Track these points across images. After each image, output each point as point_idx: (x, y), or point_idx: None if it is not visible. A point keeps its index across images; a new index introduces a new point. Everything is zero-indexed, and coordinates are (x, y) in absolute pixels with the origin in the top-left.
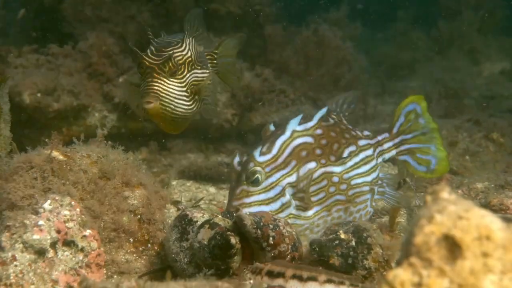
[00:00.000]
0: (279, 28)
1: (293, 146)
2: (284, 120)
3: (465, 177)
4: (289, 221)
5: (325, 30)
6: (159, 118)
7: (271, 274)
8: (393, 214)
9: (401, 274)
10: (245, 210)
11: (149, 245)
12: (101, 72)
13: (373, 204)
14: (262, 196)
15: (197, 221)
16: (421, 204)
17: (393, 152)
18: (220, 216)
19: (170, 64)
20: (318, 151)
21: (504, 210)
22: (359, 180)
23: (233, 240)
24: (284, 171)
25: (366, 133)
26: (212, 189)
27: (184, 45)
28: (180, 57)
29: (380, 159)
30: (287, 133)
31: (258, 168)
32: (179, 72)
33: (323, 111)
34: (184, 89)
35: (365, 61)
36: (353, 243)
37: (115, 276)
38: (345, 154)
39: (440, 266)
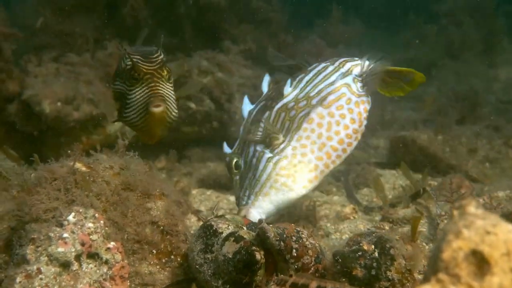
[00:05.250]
0: (290, 36)
1: (251, 119)
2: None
3: (486, 185)
4: (271, 163)
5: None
6: (160, 123)
7: (295, 287)
8: (414, 224)
9: None
10: (242, 190)
11: (172, 257)
12: None
13: (361, 92)
14: (247, 169)
15: (222, 233)
16: (442, 213)
17: (366, 62)
18: (245, 229)
19: (167, 69)
20: (268, 103)
21: None
22: (320, 87)
23: (258, 256)
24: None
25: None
26: (232, 198)
27: (161, 53)
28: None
29: (346, 66)
30: (245, 116)
31: (231, 155)
32: (171, 77)
33: (266, 77)
34: (174, 93)
35: None
36: (376, 254)
37: None
38: (291, 83)
39: (469, 282)
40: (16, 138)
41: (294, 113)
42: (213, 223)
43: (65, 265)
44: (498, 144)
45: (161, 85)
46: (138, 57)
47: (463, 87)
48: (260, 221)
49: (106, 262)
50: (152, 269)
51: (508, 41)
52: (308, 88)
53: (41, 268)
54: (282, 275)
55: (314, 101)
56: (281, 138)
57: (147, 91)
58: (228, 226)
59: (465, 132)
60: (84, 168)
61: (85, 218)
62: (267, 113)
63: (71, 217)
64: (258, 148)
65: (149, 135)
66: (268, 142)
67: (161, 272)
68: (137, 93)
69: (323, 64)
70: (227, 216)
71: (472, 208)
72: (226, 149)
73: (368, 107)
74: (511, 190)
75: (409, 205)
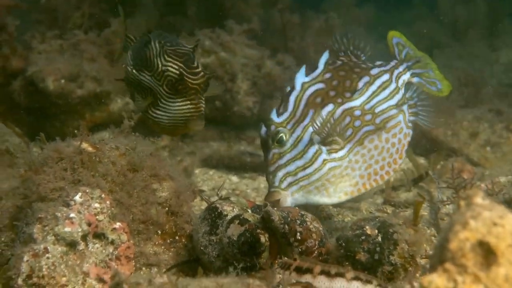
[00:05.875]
0: (296, 15)
1: (307, 97)
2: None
3: (486, 169)
4: (326, 166)
5: (334, 18)
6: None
7: (299, 270)
8: (416, 208)
9: (436, 280)
10: (282, 171)
11: (177, 237)
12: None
13: (409, 124)
14: (294, 153)
15: (226, 215)
16: (444, 199)
17: (408, 74)
18: (249, 212)
19: (206, 83)
20: (332, 93)
21: None
22: (384, 106)
23: (263, 238)
24: (305, 122)
25: (378, 62)
26: (234, 178)
27: (199, 63)
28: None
29: (400, 81)
30: (297, 87)
31: (280, 128)
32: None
33: (326, 55)
34: None
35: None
36: (379, 238)
37: (143, 268)
38: (360, 86)
39: (475, 273)
40: (20, 114)
41: (359, 124)
42: (218, 205)
43: (71, 245)
44: (500, 128)
45: (202, 101)
46: (181, 65)
47: (468, 71)
48: (265, 204)
49: (112, 242)
50: (157, 249)
51: (510, 23)
52: (373, 102)
53: (48, 247)
54: (286, 258)
55: (377, 120)
56: (341, 144)
57: (190, 106)
58: (233, 209)
59: (467, 116)
60: (90, 148)
61: (92, 198)
62: (330, 106)
63: (77, 197)
64: (315, 141)
65: (167, 133)
66: (328, 141)
67: (166, 253)
68: (177, 105)
69: (385, 76)
70: (232, 199)
71: (479, 198)
72: (274, 116)
73: (409, 140)
74: None
75: (411, 188)
